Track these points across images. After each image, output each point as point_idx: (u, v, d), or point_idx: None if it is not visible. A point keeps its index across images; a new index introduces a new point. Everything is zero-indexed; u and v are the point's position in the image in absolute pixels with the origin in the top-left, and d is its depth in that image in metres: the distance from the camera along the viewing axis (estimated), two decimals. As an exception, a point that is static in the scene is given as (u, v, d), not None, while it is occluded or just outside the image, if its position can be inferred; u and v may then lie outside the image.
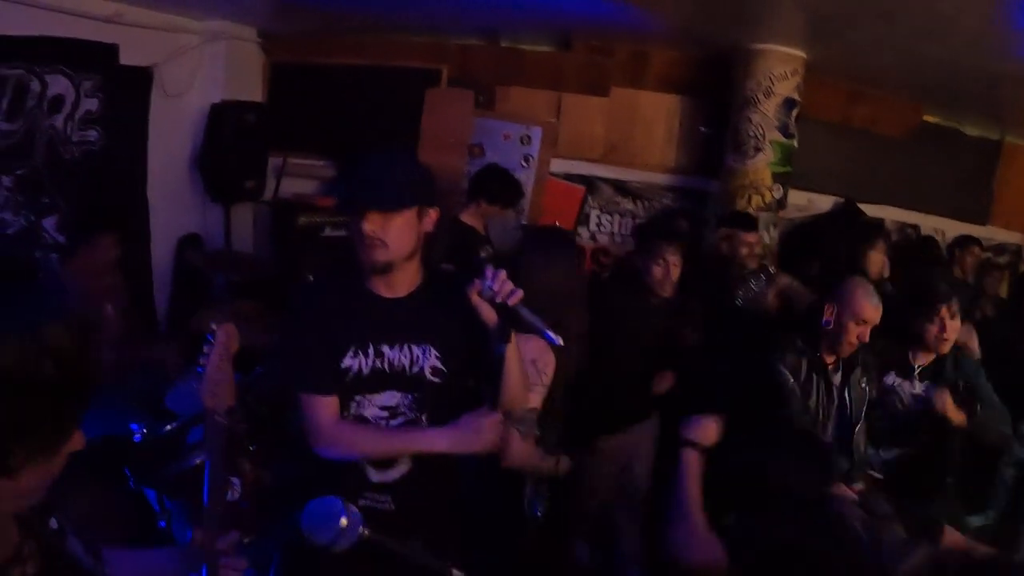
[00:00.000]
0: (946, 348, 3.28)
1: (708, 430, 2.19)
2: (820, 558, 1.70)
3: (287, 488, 2.69)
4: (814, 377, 3.19)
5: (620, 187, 6.09)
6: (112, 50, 4.75)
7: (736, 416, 2.19)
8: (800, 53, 5.11)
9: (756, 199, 5.23)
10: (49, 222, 4.54)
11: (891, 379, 3.38)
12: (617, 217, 6.11)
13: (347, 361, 2.15)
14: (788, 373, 3.15)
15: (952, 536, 2.31)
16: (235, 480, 2.99)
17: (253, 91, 5.91)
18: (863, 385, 3.24)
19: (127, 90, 4.93)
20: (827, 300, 3.18)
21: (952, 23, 3.82)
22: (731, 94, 5.34)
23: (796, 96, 5.20)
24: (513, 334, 2.08)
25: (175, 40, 5.19)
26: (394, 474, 2.19)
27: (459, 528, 2.27)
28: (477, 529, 2.34)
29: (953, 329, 3.24)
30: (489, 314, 2.05)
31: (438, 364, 2.20)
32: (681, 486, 2.09)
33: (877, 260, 4.62)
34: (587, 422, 3.48)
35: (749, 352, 3.40)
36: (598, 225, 6.13)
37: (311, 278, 2.91)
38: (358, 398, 2.18)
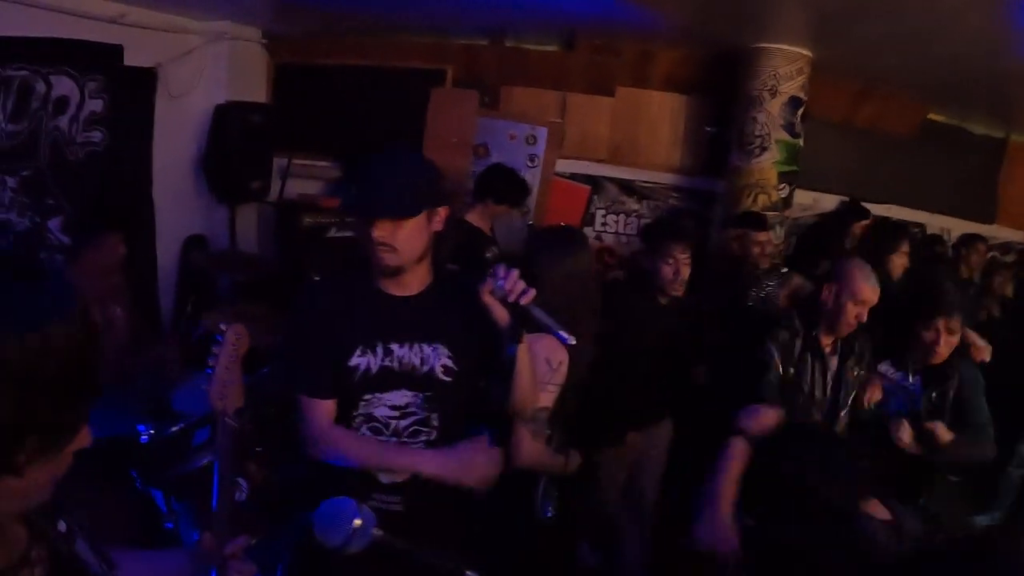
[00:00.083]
0: (937, 360, 3.25)
1: (765, 420, 2.16)
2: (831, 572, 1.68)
3: (294, 489, 2.68)
4: (808, 357, 3.22)
5: (626, 187, 6.09)
6: (116, 51, 4.74)
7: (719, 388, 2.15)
8: (806, 52, 5.10)
9: (762, 198, 5.22)
10: (54, 223, 4.54)
11: (885, 367, 3.38)
12: (623, 217, 6.11)
13: (355, 359, 2.14)
14: (775, 348, 3.20)
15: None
16: (242, 481, 2.99)
17: (257, 92, 5.91)
18: (856, 373, 3.27)
19: (131, 91, 4.91)
20: (826, 280, 3.22)
21: (957, 21, 3.81)
22: (736, 93, 5.33)
23: (802, 95, 5.19)
24: (524, 334, 2.06)
25: (179, 41, 5.18)
26: (404, 475, 2.17)
27: (469, 529, 2.26)
28: (487, 530, 2.33)
29: (948, 344, 3.20)
30: (501, 313, 2.03)
31: (449, 363, 2.18)
32: (720, 470, 2.07)
33: (899, 264, 4.60)
34: (596, 423, 3.46)
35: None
36: (604, 225, 6.12)
37: (316, 278, 2.90)
38: (367, 397, 2.16)
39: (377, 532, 1.60)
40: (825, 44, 4.92)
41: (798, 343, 3.23)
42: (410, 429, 2.19)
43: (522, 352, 2.08)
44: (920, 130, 6.18)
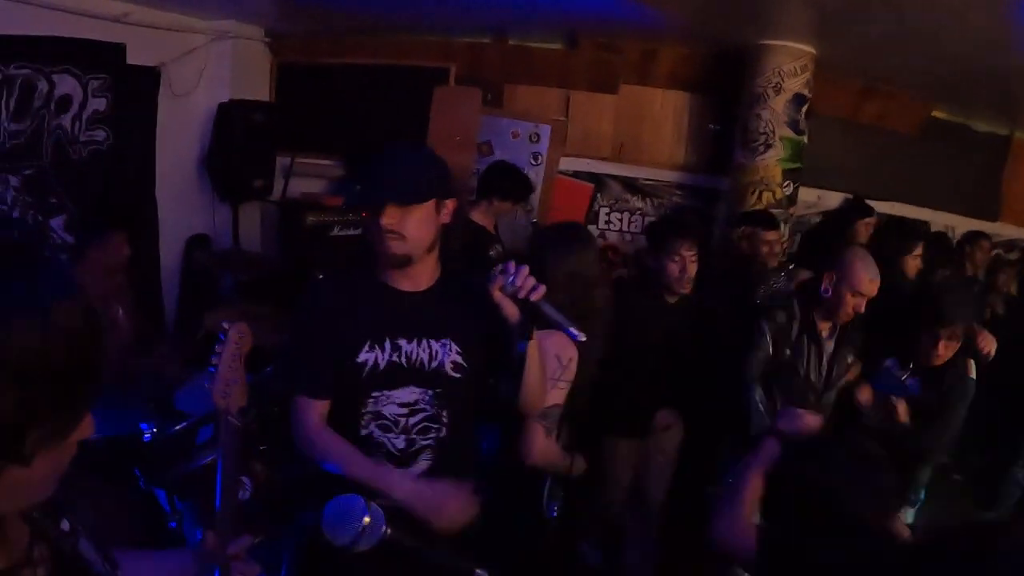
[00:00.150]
0: (937, 363, 3.23)
1: (805, 422, 2.13)
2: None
3: (298, 488, 2.67)
4: (805, 339, 3.28)
5: (629, 185, 6.08)
6: (119, 50, 4.74)
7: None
8: (810, 49, 5.09)
9: (767, 196, 5.21)
10: (57, 222, 4.53)
11: (891, 363, 3.38)
12: (626, 215, 6.10)
13: (363, 355, 2.12)
14: (768, 326, 3.27)
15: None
16: (246, 480, 2.97)
17: (260, 91, 5.91)
18: (848, 361, 3.32)
19: (134, 90, 4.92)
20: (826, 269, 3.24)
21: (961, 18, 3.80)
22: (740, 90, 5.32)
23: (806, 92, 5.18)
24: (534, 330, 2.05)
25: (182, 40, 5.18)
26: (413, 472, 2.16)
27: (477, 527, 2.24)
28: (493, 529, 2.32)
29: (948, 348, 3.19)
30: (511, 310, 2.01)
31: (459, 359, 2.17)
32: (749, 468, 2.06)
33: (914, 265, 4.58)
34: (603, 422, 3.45)
35: None
36: (607, 223, 6.11)
37: (321, 276, 2.89)
38: (375, 394, 2.14)
39: (387, 530, 1.58)
40: (829, 41, 4.91)
41: (795, 326, 3.28)
42: (420, 426, 2.17)
43: (532, 348, 2.07)
44: (924, 127, 6.15)
